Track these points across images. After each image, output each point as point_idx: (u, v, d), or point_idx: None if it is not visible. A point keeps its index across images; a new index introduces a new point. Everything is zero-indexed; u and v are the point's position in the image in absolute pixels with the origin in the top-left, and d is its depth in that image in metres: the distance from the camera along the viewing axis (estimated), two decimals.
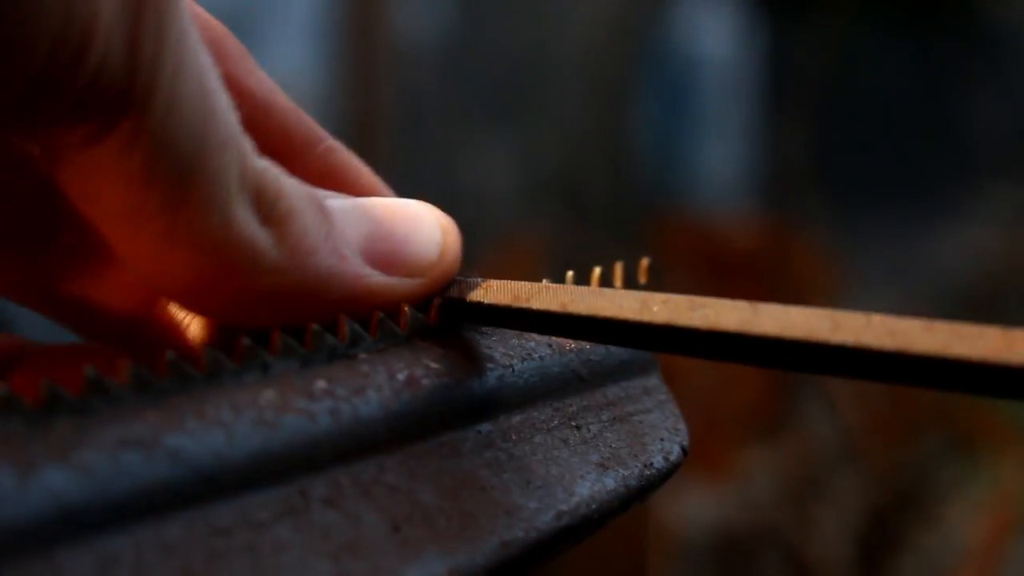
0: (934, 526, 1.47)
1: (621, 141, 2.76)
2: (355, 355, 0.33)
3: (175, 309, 0.38)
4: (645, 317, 0.32)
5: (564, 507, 0.34)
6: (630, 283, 0.39)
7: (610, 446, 0.37)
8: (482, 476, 0.33)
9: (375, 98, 2.13)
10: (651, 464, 0.37)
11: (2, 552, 0.25)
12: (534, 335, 0.37)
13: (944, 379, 0.29)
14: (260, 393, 0.31)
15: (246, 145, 0.32)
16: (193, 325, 0.38)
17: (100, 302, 0.39)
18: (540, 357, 0.37)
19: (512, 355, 0.36)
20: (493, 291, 0.35)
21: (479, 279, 0.36)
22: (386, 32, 2.21)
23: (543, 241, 2.08)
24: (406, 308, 0.35)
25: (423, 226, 0.36)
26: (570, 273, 0.37)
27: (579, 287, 0.34)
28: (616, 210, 2.57)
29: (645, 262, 0.39)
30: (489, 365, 0.35)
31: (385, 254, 0.35)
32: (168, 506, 0.28)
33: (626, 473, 0.36)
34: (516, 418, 0.35)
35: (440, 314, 0.36)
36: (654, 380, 0.40)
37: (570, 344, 0.38)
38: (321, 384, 0.32)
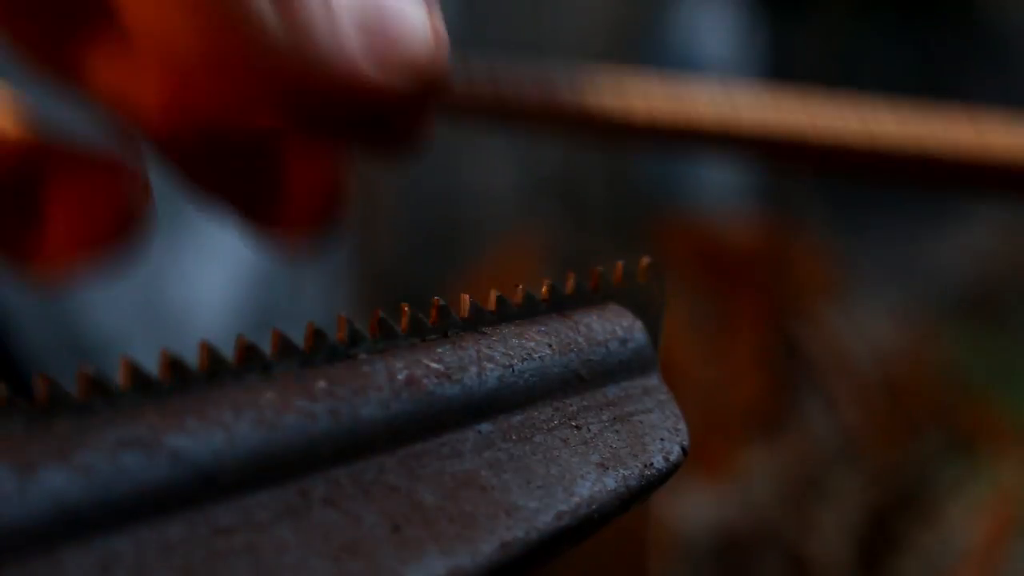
0: (934, 526, 1.47)
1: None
2: (355, 355, 0.33)
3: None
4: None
5: (564, 507, 0.34)
6: (629, 283, 0.39)
7: (610, 446, 0.37)
8: (482, 476, 0.33)
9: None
10: (651, 464, 0.37)
11: (2, 552, 0.25)
12: (532, 336, 0.37)
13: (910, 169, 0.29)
14: (260, 393, 0.31)
15: None
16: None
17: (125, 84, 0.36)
18: (540, 357, 0.37)
19: (512, 355, 0.36)
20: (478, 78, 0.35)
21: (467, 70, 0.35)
22: None
23: (543, 241, 2.08)
24: (406, 308, 0.35)
25: (413, 19, 0.34)
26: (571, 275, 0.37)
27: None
28: (616, 210, 2.57)
29: (645, 261, 0.39)
30: (489, 365, 0.35)
31: (379, 46, 0.33)
32: (168, 506, 0.28)
33: (626, 473, 0.36)
34: (516, 418, 0.35)
35: (440, 314, 0.36)
36: (654, 380, 0.40)
37: (570, 344, 0.38)
38: (321, 384, 0.32)
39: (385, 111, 0.34)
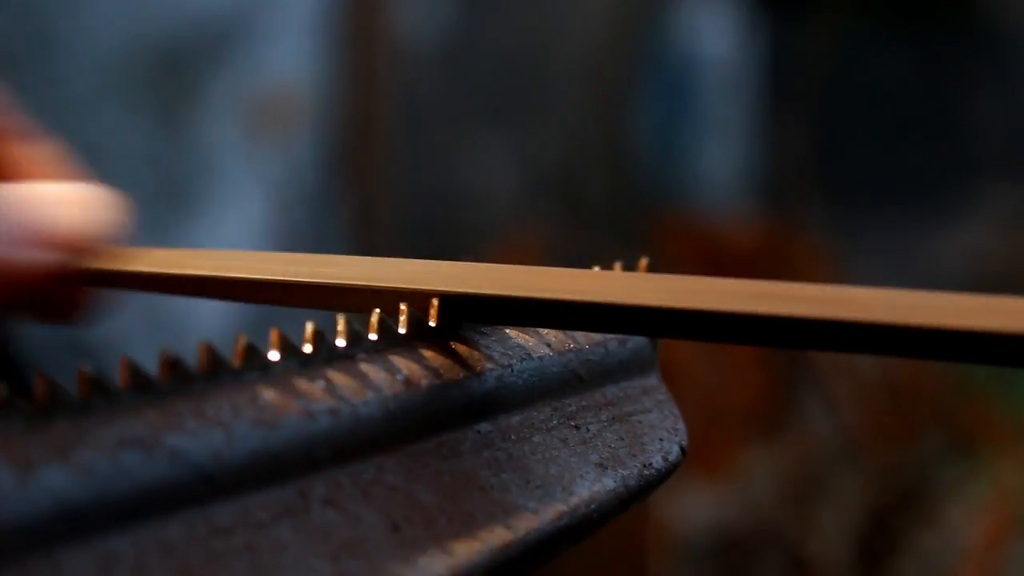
0: (934, 526, 1.47)
1: (621, 141, 2.76)
2: (355, 355, 0.33)
3: None
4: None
5: (563, 507, 0.34)
6: None
7: (609, 446, 0.37)
8: (481, 476, 0.33)
9: (375, 98, 2.13)
10: (650, 464, 0.37)
11: (2, 552, 0.25)
12: (531, 336, 0.37)
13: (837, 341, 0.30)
14: (260, 393, 0.31)
15: None
16: None
17: None
18: (539, 357, 0.37)
19: (511, 355, 0.36)
20: (131, 259, 0.38)
21: (126, 249, 0.39)
22: (386, 32, 2.21)
23: (543, 241, 2.08)
24: (404, 308, 0.35)
25: (62, 202, 0.39)
26: None
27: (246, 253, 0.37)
28: (616, 210, 2.57)
29: (644, 261, 0.39)
30: (488, 365, 0.35)
31: (26, 232, 0.38)
32: (168, 506, 0.28)
33: (625, 473, 0.36)
34: (515, 418, 0.35)
35: (440, 314, 0.36)
36: (653, 380, 0.40)
37: (569, 344, 0.38)
38: (321, 384, 0.32)
39: (36, 286, 0.38)
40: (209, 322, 1.54)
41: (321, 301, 0.36)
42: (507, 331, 0.37)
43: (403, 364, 0.34)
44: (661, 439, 0.38)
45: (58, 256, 0.39)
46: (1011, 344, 0.28)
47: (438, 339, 0.35)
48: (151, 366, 0.30)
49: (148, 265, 0.39)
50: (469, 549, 0.31)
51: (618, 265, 0.39)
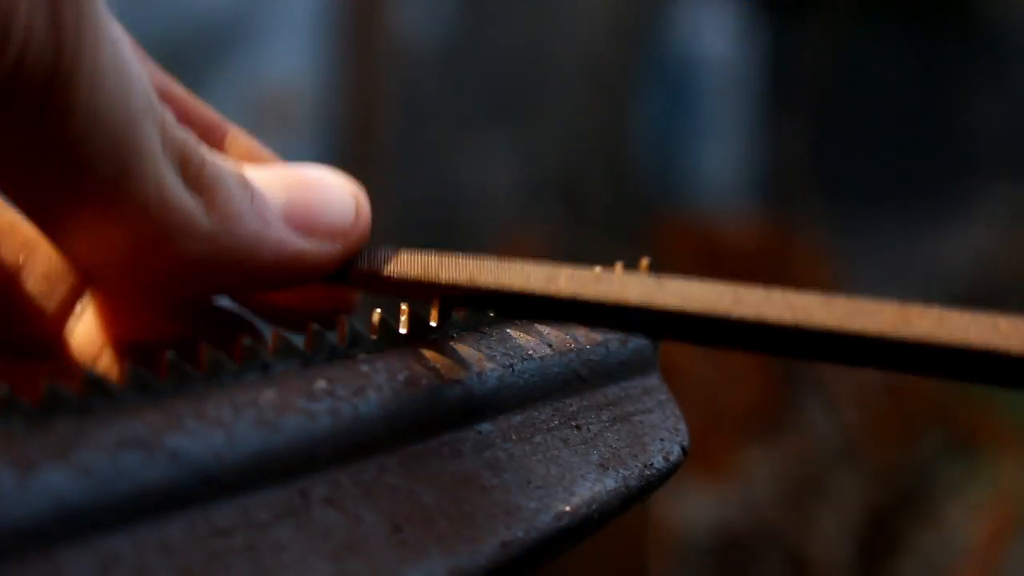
0: (934, 526, 1.47)
1: (621, 141, 2.76)
2: (355, 355, 0.33)
3: (82, 331, 0.39)
4: (551, 289, 0.33)
5: (564, 507, 0.34)
6: None
7: (610, 446, 0.37)
8: (482, 476, 0.33)
9: (375, 98, 2.13)
10: (651, 464, 0.37)
11: (2, 552, 0.25)
12: (532, 336, 0.37)
13: (842, 352, 0.30)
14: (260, 393, 0.31)
15: (166, 114, 0.33)
16: (103, 354, 0.39)
17: (8, 318, 0.39)
18: (540, 357, 0.37)
19: (512, 355, 0.36)
20: (403, 262, 0.36)
21: (391, 248, 0.37)
22: (386, 32, 2.21)
23: (543, 241, 2.08)
24: (405, 307, 0.35)
25: (336, 192, 0.38)
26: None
27: (490, 261, 0.35)
28: (616, 210, 2.57)
29: (644, 261, 0.39)
30: (489, 365, 0.35)
31: (305, 219, 0.36)
32: (168, 506, 0.28)
33: (626, 473, 0.36)
34: (516, 418, 0.35)
35: (440, 314, 0.36)
36: (654, 380, 0.40)
37: (570, 344, 0.38)
38: (321, 384, 0.32)
39: (314, 272, 0.37)
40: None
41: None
42: (508, 331, 0.37)
43: (403, 364, 0.34)
44: (662, 439, 0.38)
45: (335, 248, 0.37)
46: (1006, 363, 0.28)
47: (438, 339, 0.35)
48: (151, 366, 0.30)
49: (432, 273, 0.36)
50: (470, 550, 0.31)
51: (619, 265, 0.39)
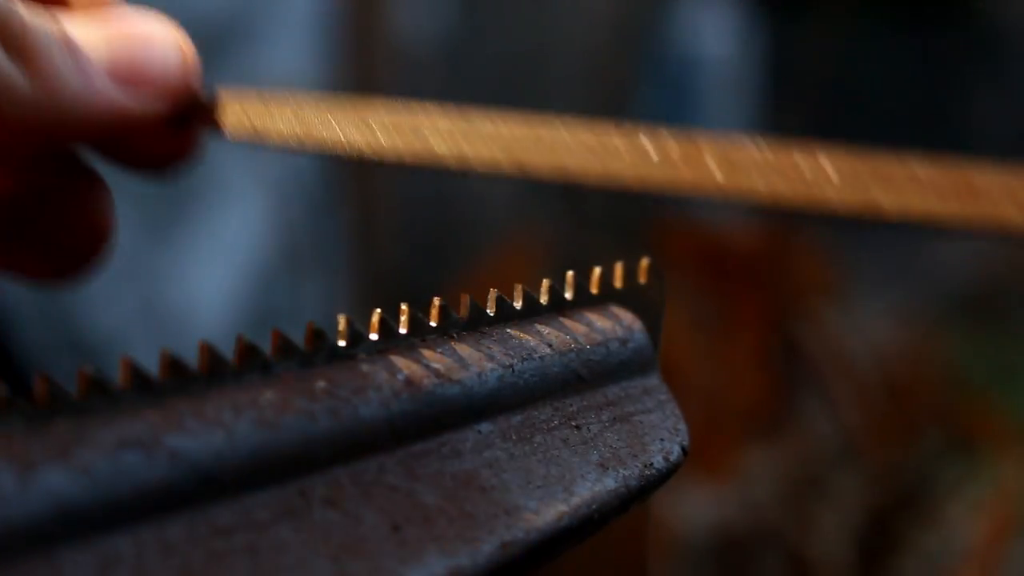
0: (934, 526, 1.47)
1: None
2: (355, 355, 0.33)
3: None
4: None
5: (564, 507, 0.34)
6: (630, 284, 0.39)
7: (610, 446, 0.37)
8: (482, 476, 0.33)
9: (375, 98, 2.12)
10: (651, 464, 0.37)
11: (2, 552, 0.25)
12: (532, 336, 0.37)
13: None
14: (260, 393, 0.31)
15: None
16: None
17: None
18: (540, 357, 0.37)
19: (512, 355, 0.36)
20: (232, 111, 0.37)
21: (216, 90, 0.38)
22: (386, 32, 2.21)
23: (543, 242, 2.08)
24: (405, 307, 0.35)
25: (160, 42, 0.38)
26: (570, 273, 0.38)
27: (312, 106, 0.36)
28: (616, 211, 2.57)
29: (645, 262, 0.39)
30: (489, 365, 0.35)
31: (128, 73, 0.37)
32: (168, 506, 0.28)
33: (626, 473, 0.36)
34: (516, 418, 0.35)
35: (440, 314, 0.36)
36: (654, 380, 0.40)
37: (570, 344, 0.38)
38: (321, 384, 0.32)
39: (144, 128, 0.37)
40: (209, 322, 1.54)
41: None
42: (508, 331, 0.37)
43: (404, 364, 0.34)
44: (662, 439, 0.38)
45: (160, 99, 0.37)
46: None
47: (438, 339, 0.35)
48: (151, 366, 0.30)
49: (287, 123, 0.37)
50: (470, 550, 0.31)
51: (619, 266, 0.39)
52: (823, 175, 0.30)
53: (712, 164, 0.31)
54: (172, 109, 0.38)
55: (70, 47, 0.36)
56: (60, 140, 0.36)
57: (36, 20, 0.35)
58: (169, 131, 0.38)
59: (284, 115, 0.36)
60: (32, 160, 0.39)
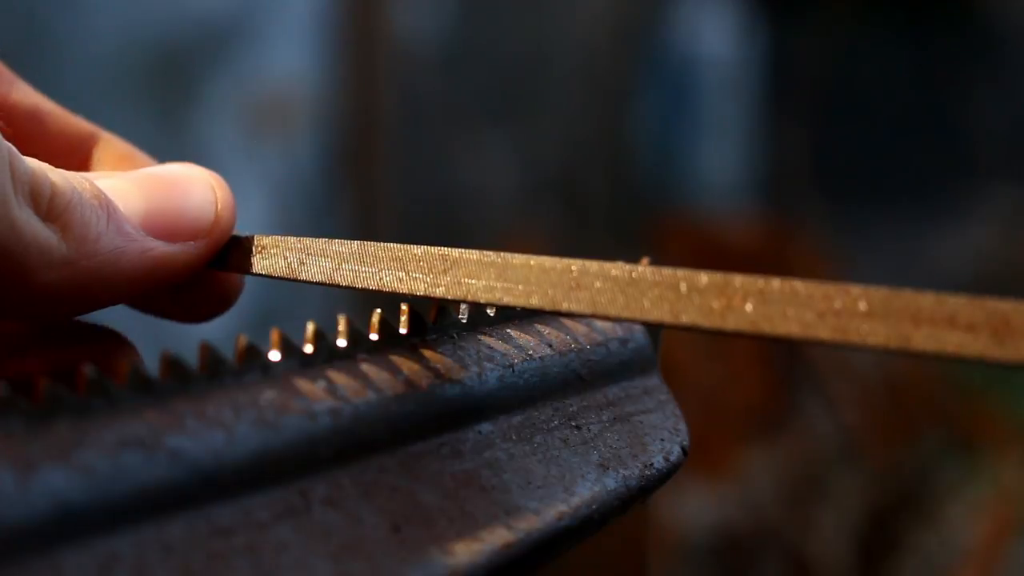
0: (934, 526, 1.47)
1: (621, 141, 2.76)
2: (355, 355, 0.33)
3: None
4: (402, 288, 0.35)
5: (564, 507, 0.34)
6: None
7: (610, 446, 0.37)
8: (482, 476, 0.33)
9: (375, 98, 2.13)
10: (651, 464, 0.37)
11: (2, 552, 0.25)
12: (532, 336, 0.37)
13: None
14: (260, 393, 0.31)
15: (8, 150, 0.33)
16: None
17: None
18: (540, 357, 0.37)
19: (512, 355, 0.36)
20: (269, 254, 0.37)
21: (254, 236, 0.38)
22: (386, 33, 2.21)
23: (543, 241, 2.08)
24: (405, 307, 0.35)
25: (195, 188, 0.38)
26: None
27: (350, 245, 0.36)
28: (616, 210, 2.57)
29: (645, 261, 0.39)
30: (489, 365, 0.35)
31: (165, 223, 0.37)
32: (168, 506, 0.28)
33: (626, 473, 0.36)
34: (516, 418, 0.35)
35: (440, 314, 0.36)
36: (654, 380, 0.40)
37: (570, 344, 0.38)
38: (321, 384, 0.32)
39: (183, 275, 0.37)
40: (209, 322, 1.54)
41: None
42: (508, 331, 0.37)
43: (404, 364, 0.34)
44: (662, 439, 0.38)
45: (200, 245, 0.37)
46: None
47: (438, 339, 0.35)
48: (151, 366, 0.30)
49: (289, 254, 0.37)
50: (470, 550, 0.31)
51: (619, 264, 0.39)
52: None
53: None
54: (209, 253, 0.38)
55: (103, 203, 0.36)
56: (101, 297, 0.36)
57: (66, 181, 0.35)
58: (207, 276, 0.39)
59: (321, 261, 0.36)
60: (70, 324, 0.39)
